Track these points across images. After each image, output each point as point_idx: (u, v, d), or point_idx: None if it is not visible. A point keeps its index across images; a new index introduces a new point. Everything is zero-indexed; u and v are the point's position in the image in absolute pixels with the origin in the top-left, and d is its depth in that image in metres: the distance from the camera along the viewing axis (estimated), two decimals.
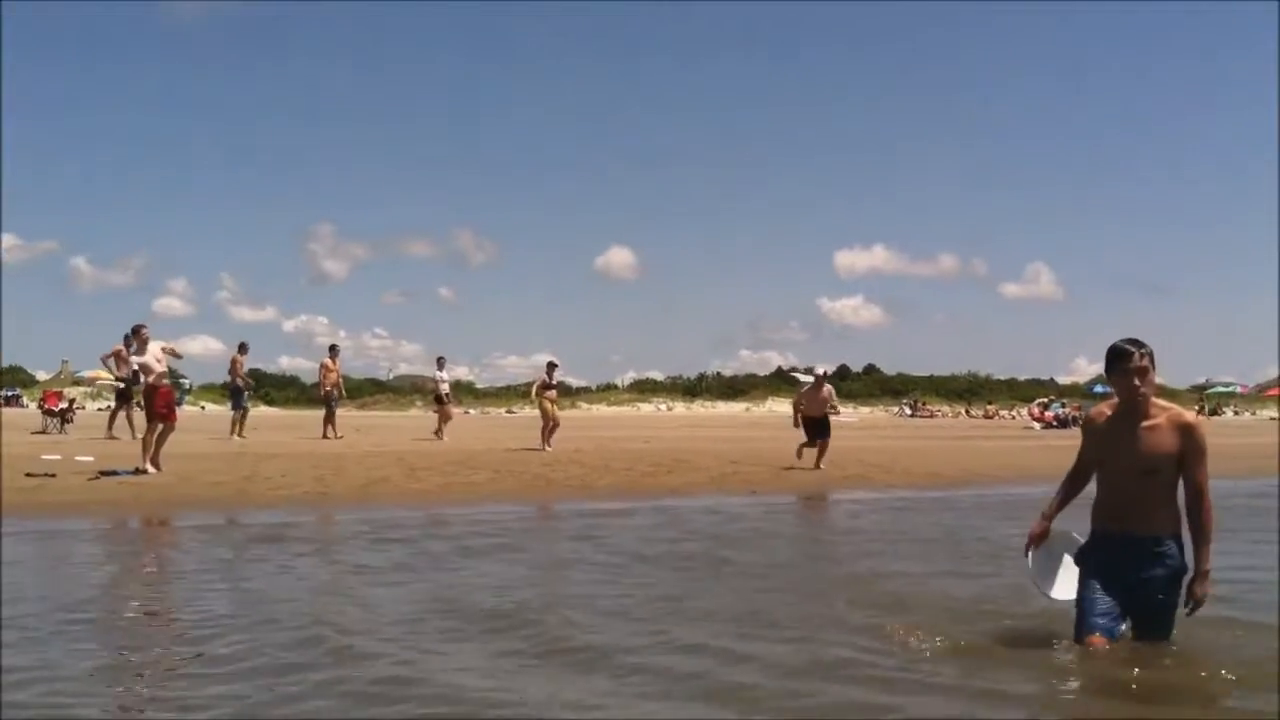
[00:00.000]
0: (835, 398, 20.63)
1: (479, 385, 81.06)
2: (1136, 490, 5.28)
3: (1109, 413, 5.39)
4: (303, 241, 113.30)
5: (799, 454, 19.02)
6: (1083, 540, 5.57)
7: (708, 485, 16.16)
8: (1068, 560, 5.67)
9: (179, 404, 22.50)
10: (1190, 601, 5.26)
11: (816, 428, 19.12)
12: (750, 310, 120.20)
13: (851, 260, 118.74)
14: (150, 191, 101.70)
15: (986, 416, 62.48)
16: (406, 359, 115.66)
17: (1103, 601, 5.31)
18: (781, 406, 67.73)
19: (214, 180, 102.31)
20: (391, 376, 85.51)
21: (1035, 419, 47.08)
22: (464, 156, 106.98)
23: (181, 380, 53.25)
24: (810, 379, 20.77)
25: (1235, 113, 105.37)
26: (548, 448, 21.08)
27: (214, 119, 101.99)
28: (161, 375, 15.58)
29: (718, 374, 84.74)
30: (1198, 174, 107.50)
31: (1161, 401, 5.30)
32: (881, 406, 71.53)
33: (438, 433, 25.21)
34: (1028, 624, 6.14)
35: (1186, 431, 5.21)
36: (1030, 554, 5.68)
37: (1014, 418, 59.23)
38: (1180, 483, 5.27)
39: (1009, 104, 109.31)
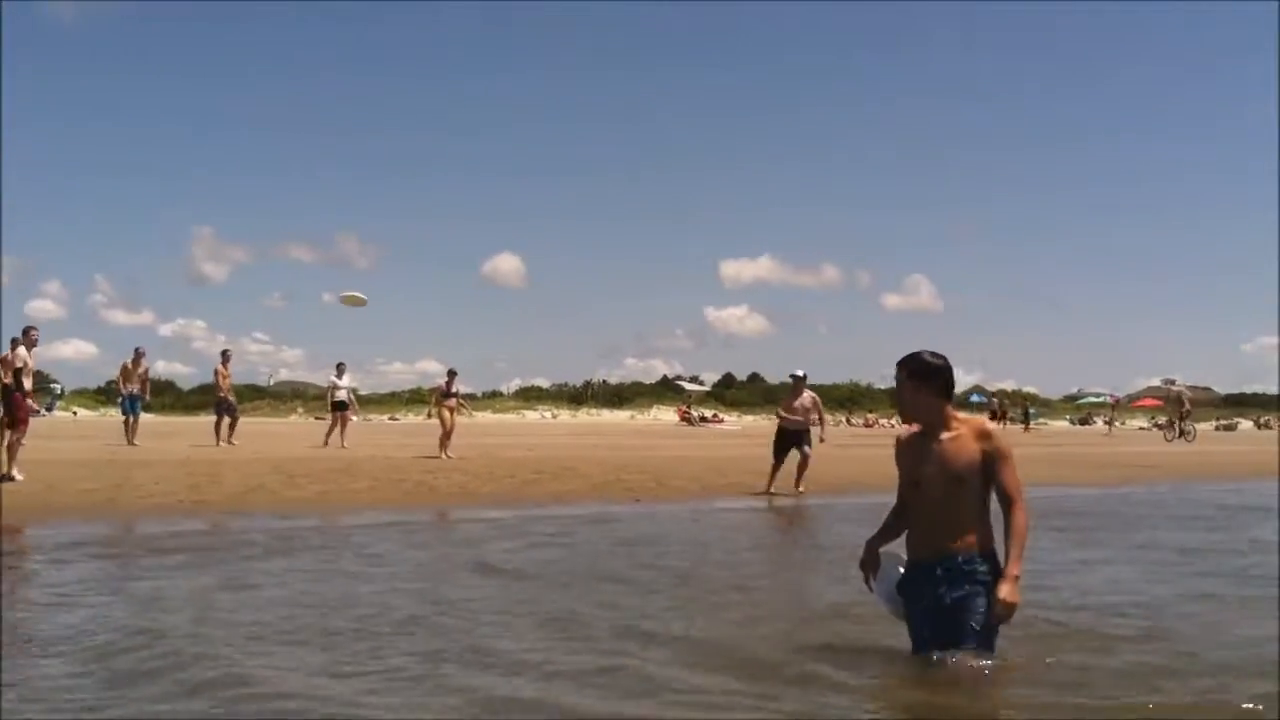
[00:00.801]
0: (821, 406, 18.05)
1: (362, 391, 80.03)
2: (945, 506, 5.19)
3: (914, 433, 5.37)
4: (181, 244, 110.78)
5: (769, 484, 16.92)
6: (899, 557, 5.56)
7: (590, 493, 16.17)
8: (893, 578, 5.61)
9: (50, 409, 21.95)
10: (996, 607, 5.08)
11: (793, 440, 17.21)
12: (636, 318, 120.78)
13: (737, 270, 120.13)
14: (23, 193, 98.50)
15: (867, 425, 63.58)
16: (288, 364, 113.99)
17: (922, 633, 5.30)
18: (666, 415, 68.15)
19: (90, 182, 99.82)
20: (272, 382, 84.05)
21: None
22: (348, 161, 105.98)
23: (52, 385, 51.62)
24: (695, 386, 20.32)
25: (1109, 128, 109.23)
26: (447, 455, 20.92)
27: (90, 120, 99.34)
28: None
29: (603, 382, 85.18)
30: (1074, 188, 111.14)
31: (961, 415, 5.30)
32: (765, 415, 72.23)
33: (329, 439, 24.77)
34: (870, 633, 6.20)
35: (986, 438, 5.21)
36: (872, 584, 5.62)
37: (893, 426, 60.16)
38: (997, 501, 5.22)
39: (893, 118, 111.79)
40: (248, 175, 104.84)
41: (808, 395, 17.48)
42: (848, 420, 69.76)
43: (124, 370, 23.53)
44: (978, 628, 5.14)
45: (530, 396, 79.96)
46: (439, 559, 9.94)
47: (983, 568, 5.17)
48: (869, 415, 69.46)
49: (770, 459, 17.22)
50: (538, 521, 12.74)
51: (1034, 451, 28.48)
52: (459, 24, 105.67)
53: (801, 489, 16.93)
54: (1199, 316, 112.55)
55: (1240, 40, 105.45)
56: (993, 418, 60.80)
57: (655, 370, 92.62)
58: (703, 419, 62.13)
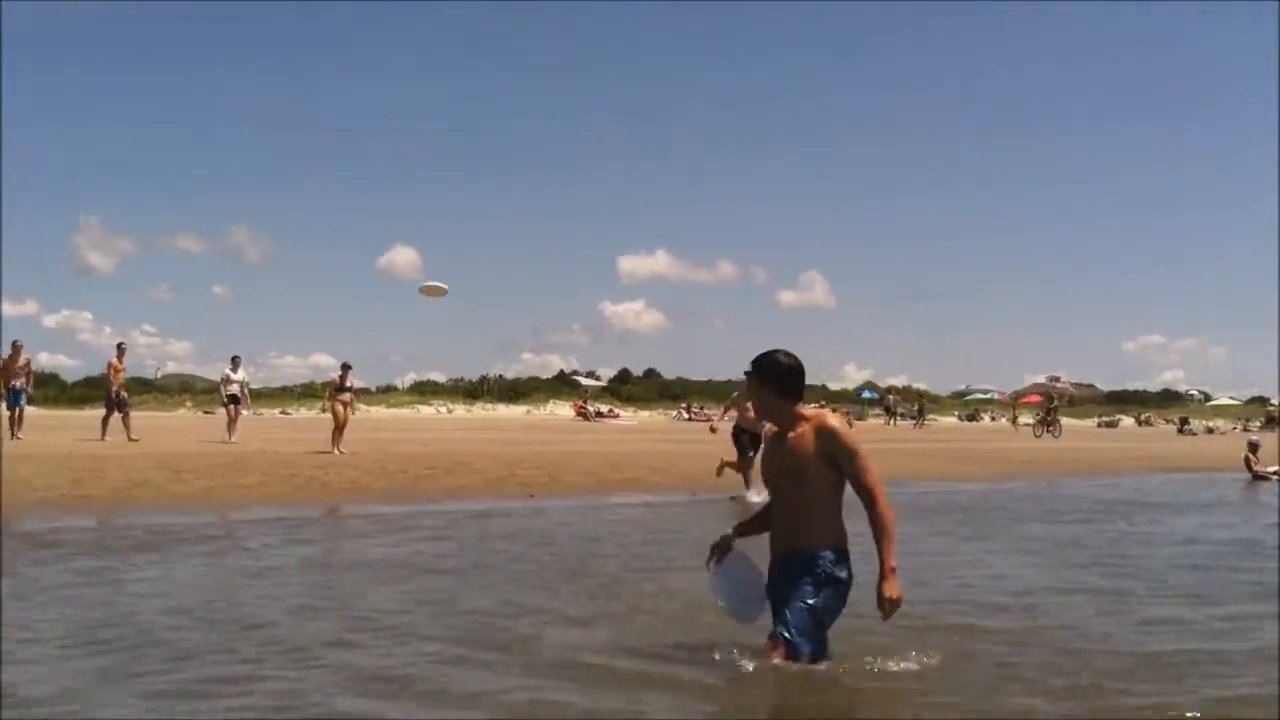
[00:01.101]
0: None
1: (253, 385, 78.55)
2: (791, 502, 5.24)
3: (774, 432, 5.39)
4: (67, 234, 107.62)
5: (720, 471, 15.95)
6: (752, 562, 5.60)
7: (484, 488, 16.14)
8: (738, 576, 5.63)
9: None
10: (883, 605, 5.07)
11: (753, 441, 15.56)
12: (534, 313, 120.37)
13: (634, 265, 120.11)
14: None
15: None
16: (175, 357, 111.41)
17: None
18: (562, 410, 68.07)
19: None
20: (159, 375, 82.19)
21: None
22: (242, 152, 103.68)
23: None
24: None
25: (996, 127, 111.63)
26: (339, 451, 20.70)
27: None
28: None
29: (500, 376, 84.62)
30: (964, 187, 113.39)
31: (810, 410, 5.31)
32: (660, 410, 72.67)
33: (230, 436, 24.28)
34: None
35: (825, 435, 5.16)
36: (711, 564, 5.65)
37: None
38: (854, 494, 5.18)
39: (787, 114, 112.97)
40: (137, 164, 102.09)
41: None
42: None
43: (4, 365, 22.85)
44: (807, 612, 5.12)
45: (425, 391, 79.27)
46: (323, 554, 9.89)
47: (826, 560, 5.16)
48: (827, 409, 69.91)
49: (736, 458, 15.99)
50: (428, 517, 12.73)
51: (925, 447, 29.19)
52: (350, 16, 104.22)
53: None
54: (1084, 315, 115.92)
55: (1111, 36, 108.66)
56: (885, 413, 62.05)
57: (552, 365, 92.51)
58: (599, 414, 62.23)
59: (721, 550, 5.63)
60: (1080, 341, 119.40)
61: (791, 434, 5.24)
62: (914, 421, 58.42)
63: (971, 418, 78.56)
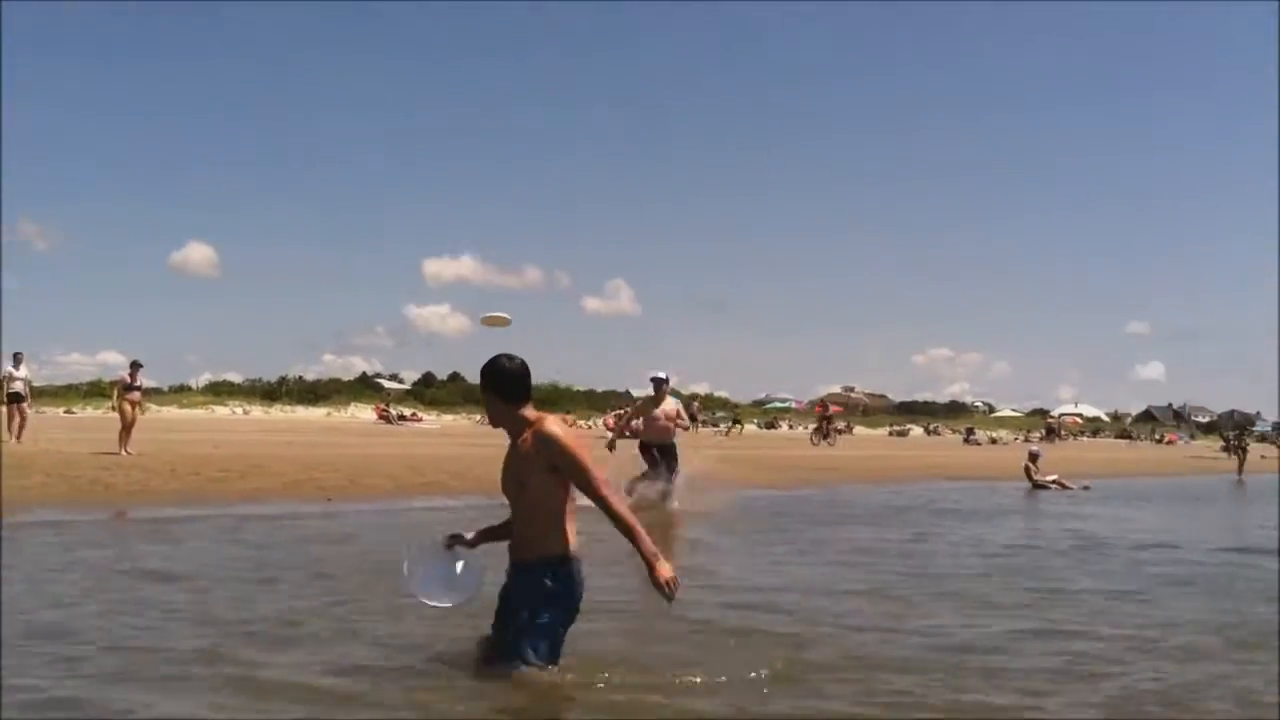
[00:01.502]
0: (686, 414, 15.76)
1: (36, 383, 74.74)
2: (516, 511, 5.24)
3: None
4: None
5: (631, 489, 13.99)
6: (451, 556, 5.58)
7: (280, 492, 15.94)
8: (433, 564, 5.59)
9: None
10: (662, 590, 5.03)
11: (662, 456, 14.85)
12: (336, 314, 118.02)
13: (440, 268, 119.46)
14: None
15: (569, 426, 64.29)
16: None
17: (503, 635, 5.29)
18: (364, 413, 66.95)
19: None
20: None
21: (609, 429, 49.04)
22: (27, 143, 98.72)
23: None
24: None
25: (786, 137, 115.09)
26: (126, 451, 20.01)
27: None
28: None
29: (300, 378, 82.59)
30: (762, 195, 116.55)
31: (532, 413, 5.20)
32: (465, 414, 72.13)
33: (18, 437, 23.11)
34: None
35: (543, 440, 5.07)
36: (414, 547, 5.66)
37: (590, 427, 61.39)
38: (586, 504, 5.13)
39: (591, 120, 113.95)
40: None
41: (671, 403, 15.25)
42: None
43: None
44: (523, 632, 5.16)
45: (221, 391, 76.63)
46: (96, 561, 9.60)
47: (540, 573, 5.15)
48: (567, 416, 70.37)
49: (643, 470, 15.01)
50: (216, 520, 12.56)
51: (734, 454, 29.81)
52: (146, 3, 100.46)
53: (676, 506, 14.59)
54: (878, 328, 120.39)
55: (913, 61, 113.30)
56: (691, 421, 63.13)
57: (354, 367, 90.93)
58: (401, 417, 61.47)
59: (452, 543, 5.58)
60: (874, 353, 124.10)
61: (518, 441, 5.18)
62: (716, 429, 59.52)
63: (770, 425, 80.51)
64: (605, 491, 5.07)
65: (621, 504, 5.14)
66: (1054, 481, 24.36)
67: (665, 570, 5.03)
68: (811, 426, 51.16)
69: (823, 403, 52.48)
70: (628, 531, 5.06)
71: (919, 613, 7.95)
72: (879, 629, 7.24)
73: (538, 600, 5.14)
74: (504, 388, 5.22)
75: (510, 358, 5.26)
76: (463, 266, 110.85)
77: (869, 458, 34.69)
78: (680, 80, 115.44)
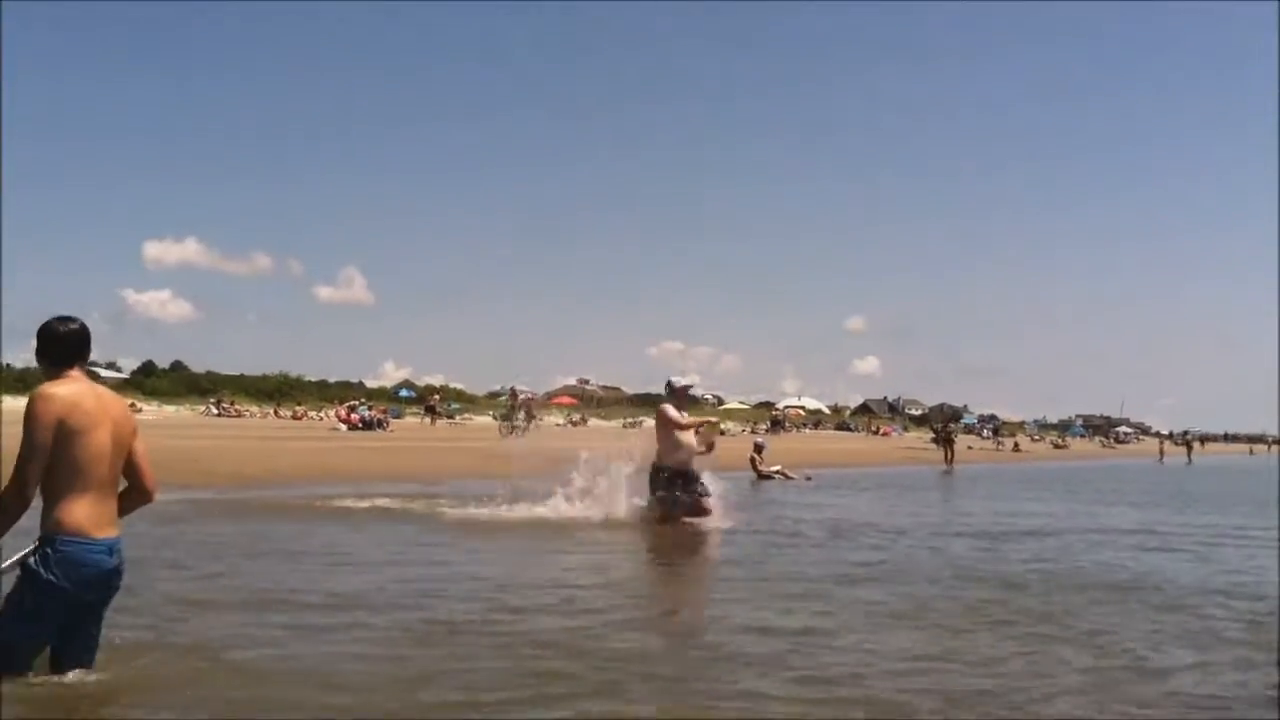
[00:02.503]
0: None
1: None
2: None
3: None
4: None
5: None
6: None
7: None
8: None
9: None
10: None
11: (677, 481, 13.01)
12: (44, 297, 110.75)
13: (161, 252, 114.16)
14: None
15: (295, 417, 62.67)
16: None
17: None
18: None
19: None
20: None
21: (342, 420, 48.14)
22: None
23: None
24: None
25: (513, 120, 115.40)
26: None
27: None
28: None
29: (9, 366, 77.30)
30: (498, 183, 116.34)
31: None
32: (188, 405, 69.17)
33: None
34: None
35: None
36: None
37: (322, 419, 60.02)
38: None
39: (332, 107, 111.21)
40: None
41: (673, 413, 13.39)
42: (275, 412, 68.42)
43: None
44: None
45: None
46: None
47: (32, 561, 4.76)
48: (298, 407, 68.43)
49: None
50: None
51: (468, 446, 29.65)
52: None
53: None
54: (614, 320, 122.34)
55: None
56: (427, 413, 62.44)
57: None
58: None
59: None
60: (610, 346, 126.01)
61: None
62: (450, 421, 59.21)
63: (505, 417, 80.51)
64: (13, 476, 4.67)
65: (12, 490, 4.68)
66: (778, 472, 25.29)
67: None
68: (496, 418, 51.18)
69: (514, 393, 52.72)
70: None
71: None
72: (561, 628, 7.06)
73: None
74: (54, 351, 4.86)
75: (65, 319, 4.88)
76: (186, 250, 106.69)
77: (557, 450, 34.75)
78: (385, 59, 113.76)
